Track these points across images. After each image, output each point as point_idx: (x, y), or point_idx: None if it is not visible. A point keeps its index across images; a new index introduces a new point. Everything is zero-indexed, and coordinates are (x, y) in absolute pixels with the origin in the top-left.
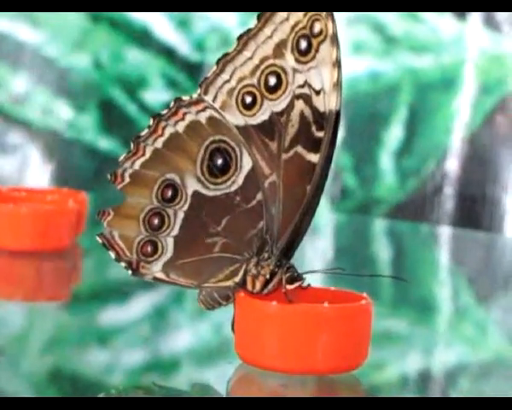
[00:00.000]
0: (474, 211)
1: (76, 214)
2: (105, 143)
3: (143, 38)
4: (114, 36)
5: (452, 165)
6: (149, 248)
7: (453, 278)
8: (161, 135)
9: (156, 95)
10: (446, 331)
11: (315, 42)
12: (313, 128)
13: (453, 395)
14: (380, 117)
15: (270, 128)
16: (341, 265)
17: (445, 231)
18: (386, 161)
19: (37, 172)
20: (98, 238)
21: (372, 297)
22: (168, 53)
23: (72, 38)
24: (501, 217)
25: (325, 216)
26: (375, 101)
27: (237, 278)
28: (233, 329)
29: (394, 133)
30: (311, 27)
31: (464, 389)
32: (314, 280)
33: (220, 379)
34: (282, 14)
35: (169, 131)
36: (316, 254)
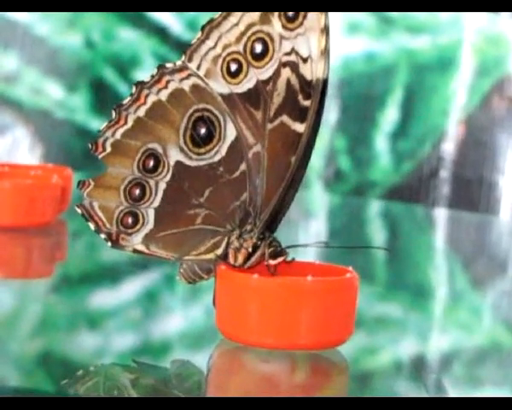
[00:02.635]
0: (469, 194)
1: (60, 190)
2: (96, 124)
3: (135, 17)
4: (106, 14)
5: (448, 147)
6: (130, 220)
7: (448, 261)
8: (144, 103)
9: (148, 74)
10: (441, 316)
11: None
12: (299, 97)
13: (446, 381)
14: (375, 98)
15: (255, 97)
16: (334, 249)
17: (441, 214)
18: (381, 144)
19: (27, 153)
20: (77, 208)
21: (365, 280)
22: (161, 32)
23: (64, 17)
24: (497, 200)
25: (319, 198)
26: (370, 82)
27: (219, 251)
28: (214, 303)
29: (390, 115)
30: None
31: (458, 375)
32: (301, 256)
33: (201, 356)
34: None
35: (152, 99)
36: (309, 236)
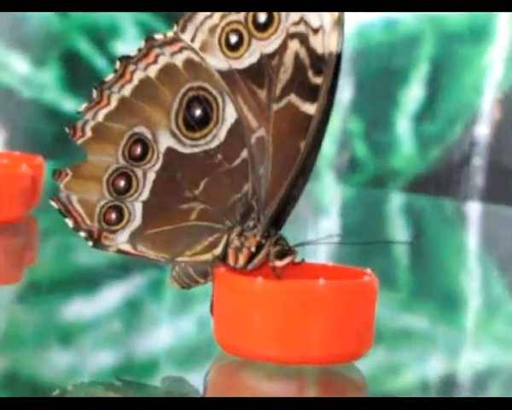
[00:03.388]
0: (507, 185)
1: (30, 181)
2: (69, 104)
3: None
4: None
5: (482, 130)
6: (114, 215)
7: (483, 263)
8: (129, 81)
9: (129, 46)
10: (474, 328)
11: None
12: (310, 73)
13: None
14: (396, 73)
15: (258, 73)
16: (350, 248)
17: (474, 208)
18: (403, 126)
19: None
20: (53, 203)
21: (385, 286)
22: None
23: None
24: None
25: (331, 191)
26: (390, 54)
27: (217, 251)
28: (212, 311)
29: (413, 93)
30: None
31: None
32: (311, 257)
33: (197, 372)
34: None
35: (139, 76)
36: (320, 235)
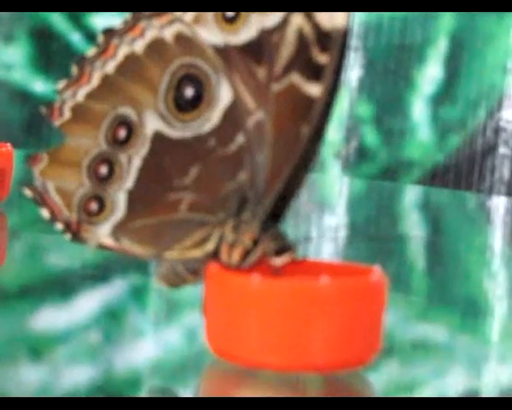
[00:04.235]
0: None
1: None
2: (40, 86)
3: None
4: None
5: (508, 115)
6: (94, 206)
7: (509, 265)
8: (113, 56)
9: (107, 19)
10: (499, 340)
11: None
12: (314, 50)
13: None
14: (411, 50)
15: (257, 49)
16: (359, 246)
17: (499, 203)
18: (419, 111)
19: None
20: (27, 191)
21: (398, 289)
22: None
23: None
24: None
25: (338, 183)
26: (404, 28)
27: (209, 246)
28: (203, 313)
29: (431, 73)
30: None
31: None
32: (313, 254)
33: (188, 380)
34: None
35: (123, 51)
36: (325, 231)
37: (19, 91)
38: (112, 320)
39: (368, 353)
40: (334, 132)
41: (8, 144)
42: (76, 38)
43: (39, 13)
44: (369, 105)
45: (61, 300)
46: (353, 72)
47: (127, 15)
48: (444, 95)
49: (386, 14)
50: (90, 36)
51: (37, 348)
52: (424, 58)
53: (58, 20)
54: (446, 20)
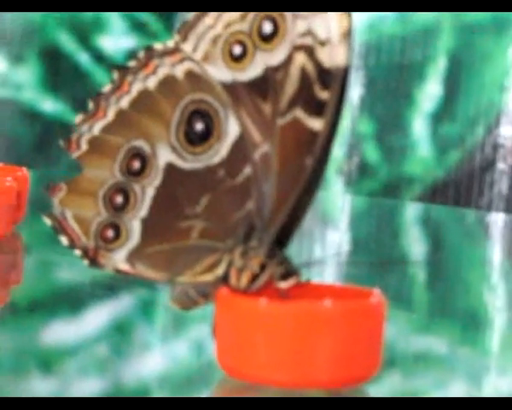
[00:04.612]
0: None
1: (16, 195)
2: (49, 105)
3: None
4: None
5: (507, 132)
6: (110, 233)
7: (508, 280)
8: (127, 92)
9: (116, 40)
10: (499, 353)
11: None
12: (316, 87)
13: None
14: (411, 69)
15: (263, 86)
16: (360, 266)
17: (498, 219)
18: (419, 128)
19: None
20: (47, 219)
21: (399, 305)
22: None
23: None
24: None
25: (339, 200)
26: (404, 47)
27: (219, 271)
28: (214, 334)
29: (430, 90)
30: None
31: None
32: (316, 276)
33: (199, 396)
34: None
35: (137, 87)
36: (327, 248)
37: (28, 111)
38: (123, 335)
39: (369, 369)
40: (336, 149)
41: (24, 168)
42: (84, 58)
43: (48, 34)
44: (371, 122)
45: (75, 315)
46: (355, 90)
47: (140, 52)
48: (443, 112)
49: (386, 34)
50: (98, 56)
51: (50, 360)
52: (424, 76)
53: (67, 41)
54: (445, 40)
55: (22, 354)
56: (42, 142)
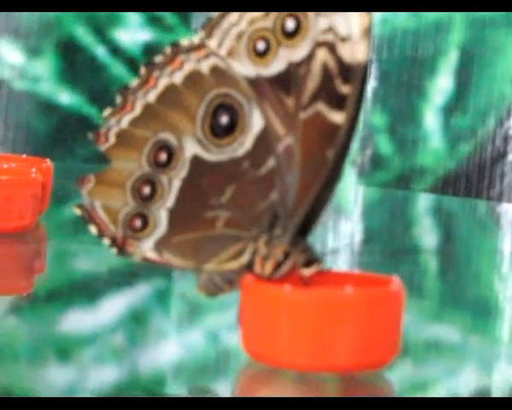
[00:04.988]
0: None
1: (41, 187)
2: (66, 98)
3: None
4: None
5: None
6: (138, 222)
7: None
8: (154, 87)
9: (132, 34)
10: (510, 341)
11: None
12: (337, 82)
13: None
14: (423, 62)
15: (286, 81)
16: (376, 254)
17: (509, 210)
18: (431, 120)
19: None
20: (77, 210)
21: (413, 294)
22: None
23: None
24: None
25: (353, 191)
26: (416, 41)
27: (244, 259)
28: (239, 320)
29: (442, 84)
30: None
31: None
32: (334, 264)
33: (225, 380)
34: None
35: (164, 82)
36: (340, 239)
37: (45, 103)
38: (147, 324)
39: (388, 355)
40: None
41: (48, 160)
42: (101, 51)
43: (65, 27)
44: (383, 115)
45: (98, 303)
46: (368, 83)
47: (166, 48)
48: (455, 105)
49: (399, 28)
50: (114, 49)
51: (72, 348)
52: (435, 70)
53: (83, 34)
54: (457, 34)
55: (43, 342)
56: (58, 134)
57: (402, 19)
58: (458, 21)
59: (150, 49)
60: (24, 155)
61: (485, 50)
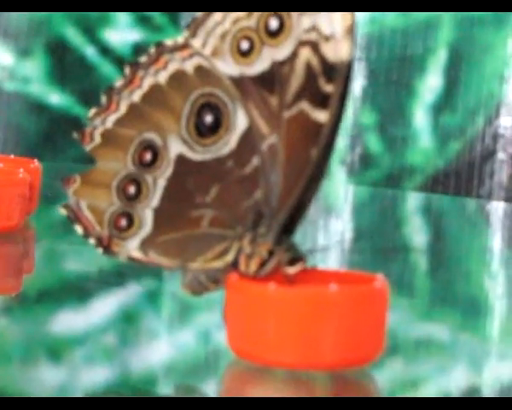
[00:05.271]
0: None
1: (28, 187)
2: (56, 98)
3: None
4: None
5: (506, 122)
6: (124, 222)
7: (508, 267)
8: (139, 86)
9: (121, 34)
10: (499, 338)
11: None
12: (321, 81)
13: None
14: (412, 61)
15: (270, 80)
16: (363, 252)
17: (499, 208)
18: (420, 119)
19: None
20: (62, 210)
21: (401, 292)
22: None
23: None
24: None
25: (342, 190)
26: (405, 40)
27: (229, 258)
28: (224, 318)
29: (431, 82)
30: None
31: None
32: (321, 262)
33: (211, 378)
34: None
35: (148, 82)
36: (330, 237)
37: (35, 104)
38: (133, 323)
39: (373, 352)
40: (339, 140)
41: (36, 160)
42: (90, 51)
43: (55, 27)
44: (373, 114)
45: (87, 303)
46: (357, 82)
47: (150, 48)
48: (444, 103)
49: (387, 27)
50: (104, 49)
51: (61, 349)
52: (425, 68)
53: (73, 35)
54: (445, 32)
55: (33, 342)
56: (48, 134)
57: (391, 18)
58: (447, 20)
59: (140, 50)
60: (12, 156)
61: (474, 49)
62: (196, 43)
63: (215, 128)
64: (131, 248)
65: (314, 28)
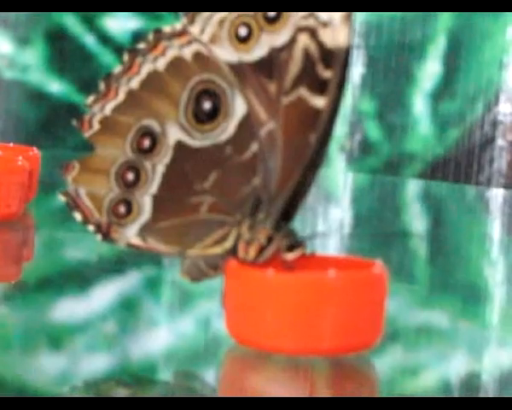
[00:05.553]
0: None
1: (28, 175)
2: (55, 86)
3: None
4: None
5: (506, 109)
6: (122, 209)
7: (508, 255)
8: (137, 73)
9: (121, 22)
10: (499, 325)
11: None
12: (319, 67)
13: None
14: (411, 48)
15: (268, 66)
16: (362, 239)
17: (498, 195)
18: (419, 106)
19: None
20: (61, 196)
21: (401, 279)
22: None
23: None
24: None
25: (342, 177)
26: (404, 26)
27: (228, 244)
28: (223, 304)
29: (430, 69)
30: None
31: None
32: (320, 249)
33: (211, 364)
34: None
35: (147, 68)
36: (329, 224)
37: (35, 92)
38: (133, 310)
39: (371, 338)
40: (338, 127)
41: (35, 148)
42: (90, 40)
43: (54, 16)
44: (372, 101)
45: (86, 291)
46: (356, 69)
47: (149, 34)
48: (443, 90)
49: (386, 14)
50: (103, 38)
51: (61, 336)
52: (424, 55)
53: (72, 23)
54: (445, 19)
55: (33, 330)
56: (48, 122)
57: None
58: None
59: (139, 38)
60: (11, 144)
61: (473, 35)
62: (194, 29)
63: (213, 115)
64: (130, 234)
65: (312, 14)
